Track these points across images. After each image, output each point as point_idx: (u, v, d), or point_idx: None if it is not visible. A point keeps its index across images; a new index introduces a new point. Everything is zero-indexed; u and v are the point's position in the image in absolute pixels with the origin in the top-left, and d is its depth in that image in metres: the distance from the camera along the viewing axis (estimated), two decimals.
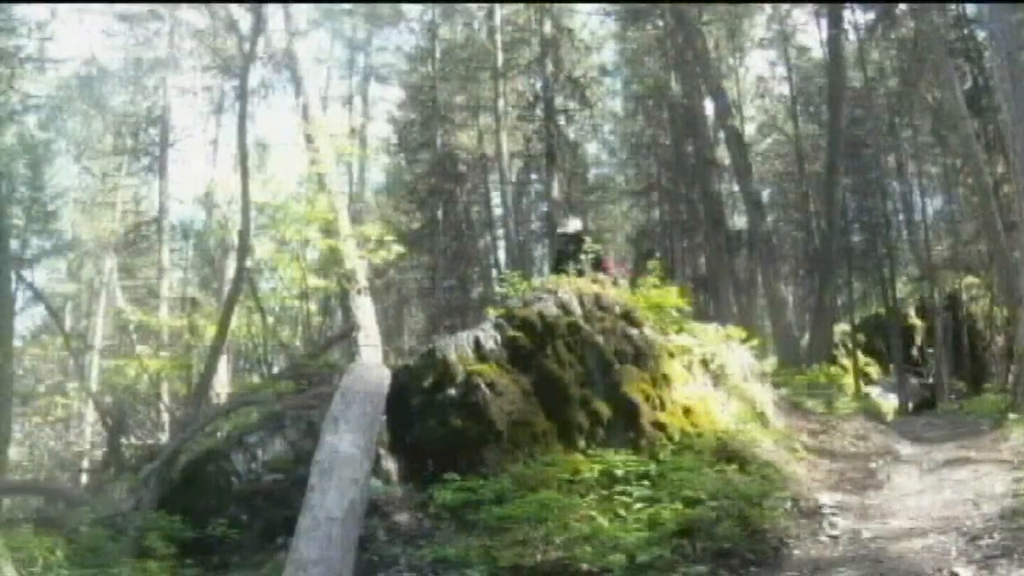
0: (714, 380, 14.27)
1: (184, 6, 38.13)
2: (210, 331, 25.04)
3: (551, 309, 12.96)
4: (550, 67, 39.77)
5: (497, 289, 17.49)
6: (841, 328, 35.41)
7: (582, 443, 11.92)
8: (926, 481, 12.49)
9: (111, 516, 14.36)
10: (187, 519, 12.39)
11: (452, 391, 12.14)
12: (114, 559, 11.72)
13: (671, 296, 15.41)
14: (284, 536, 10.09)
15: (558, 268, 17.91)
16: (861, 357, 33.79)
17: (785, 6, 41.05)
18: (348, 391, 11.50)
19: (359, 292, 24.18)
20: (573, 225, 19.15)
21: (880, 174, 38.00)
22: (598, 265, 17.00)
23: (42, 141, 40.03)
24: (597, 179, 48.89)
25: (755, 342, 17.83)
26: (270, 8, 28.10)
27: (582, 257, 17.14)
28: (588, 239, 18.11)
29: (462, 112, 43.93)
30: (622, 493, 10.50)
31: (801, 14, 41.57)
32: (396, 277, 41.59)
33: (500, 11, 40.56)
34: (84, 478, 32.55)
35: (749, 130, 44.58)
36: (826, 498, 11.10)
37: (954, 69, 28.92)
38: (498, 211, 42.87)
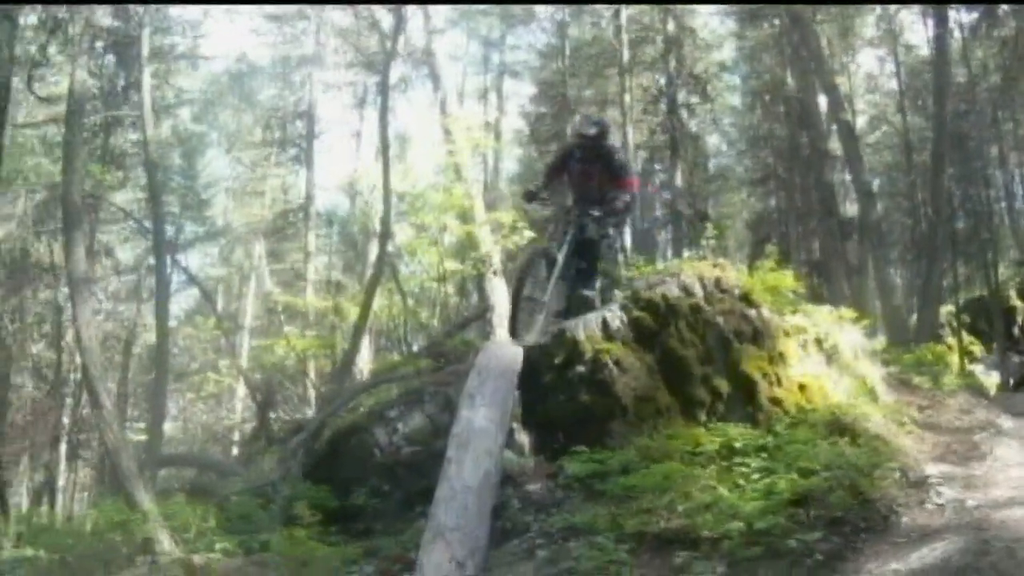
0: (827, 358, 14.14)
1: (329, 7, 38.51)
2: (353, 312, 25.46)
3: (674, 291, 12.90)
4: (673, 64, 39.71)
5: (623, 272, 17.26)
6: (946, 309, 34.95)
7: (703, 417, 11.85)
8: None
9: (260, 486, 14.63)
10: (332, 489, 12.56)
11: (581, 368, 12.08)
12: (263, 526, 11.93)
13: (787, 279, 15.28)
14: (423, 505, 10.12)
15: (553, 169, 14.96)
16: (965, 336, 33.31)
17: (893, 7, 40.72)
18: (483, 368, 11.58)
19: (493, 275, 24.32)
20: (594, 125, 14.41)
21: (983, 164, 37.46)
22: (620, 175, 14.23)
23: (195, 133, 40.64)
24: (717, 169, 48.49)
25: (866, 322, 17.55)
26: (410, 8, 28.32)
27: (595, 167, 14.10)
28: (612, 140, 15.45)
29: (590, 106, 43.67)
30: (741, 464, 10.47)
31: (908, 14, 41.22)
32: None
33: (626, 11, 40.52)
34: (235, 450, 33.20)
35: (860, 123, 44.05)
36: (932, 469, 11.01)
37: None
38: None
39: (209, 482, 19.64)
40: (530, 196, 14.96)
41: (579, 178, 14.44)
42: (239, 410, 38.87)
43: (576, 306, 13.64)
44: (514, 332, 13.46)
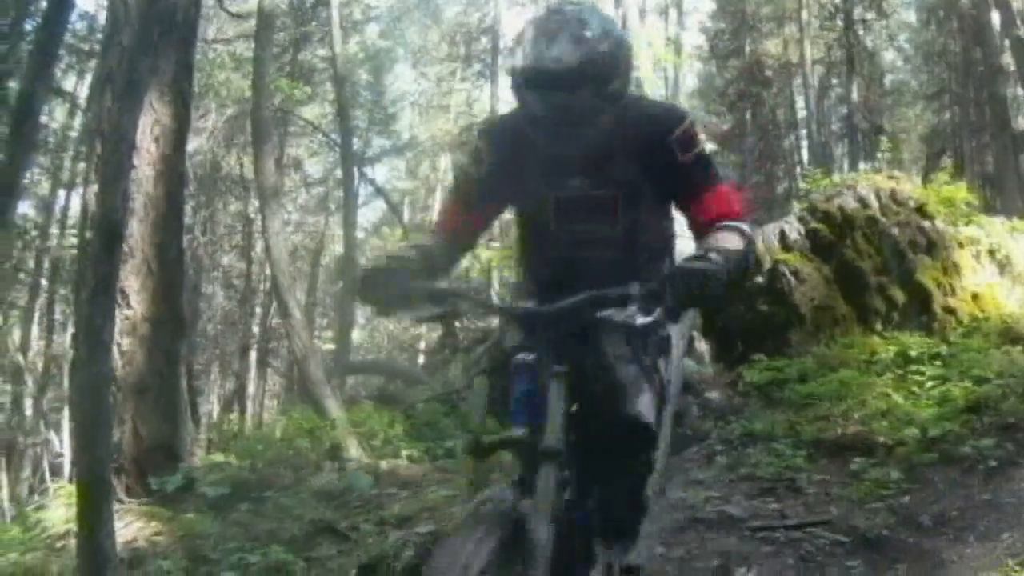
0: (999, 268, 13.97)
1: None
2: None
3: (850, 203, 12.86)
4: None
5: (800, 185, 16.92)
6: None
7: (878, 326, 11.82)
8: None
9: (445, 394, 14.91)
10: None
11: (759, 279, 12.12)
12: (448, 433, 12.18)
13: (960, 191, 15.10)
14: None
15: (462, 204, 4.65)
16: None
17: None
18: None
19: None
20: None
21: None
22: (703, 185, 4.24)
23: (382, 49, 40.85)
24: (893, 84, 47.62)
25: None
26: None
27: None
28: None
29: (768, 22, 43.15)
30: (915, 372, 10.43)
31: None
32: None
33: None
34: (421, 359, 33.57)
35: None
36: None
37: None
38: (802, 113, 42.15)
39: (396, 390, 19.95)
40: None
41: (556, 215, 4.26)
42: None
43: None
44: None
